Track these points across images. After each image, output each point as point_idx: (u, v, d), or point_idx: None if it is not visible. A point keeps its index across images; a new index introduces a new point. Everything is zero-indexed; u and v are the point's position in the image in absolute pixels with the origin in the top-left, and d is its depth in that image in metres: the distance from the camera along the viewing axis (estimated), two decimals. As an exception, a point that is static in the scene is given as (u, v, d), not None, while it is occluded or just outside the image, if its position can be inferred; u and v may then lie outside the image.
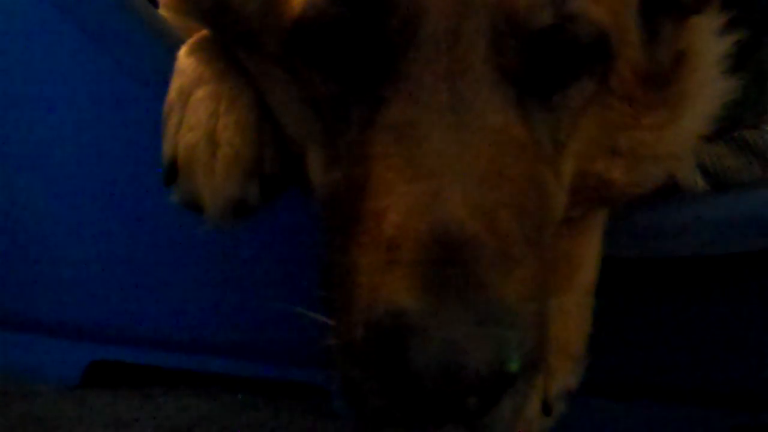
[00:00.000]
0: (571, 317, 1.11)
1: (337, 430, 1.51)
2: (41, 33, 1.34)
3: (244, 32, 1.00)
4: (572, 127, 0.94)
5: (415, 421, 0.74)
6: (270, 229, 1.36)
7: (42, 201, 1.51)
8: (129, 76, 1.28)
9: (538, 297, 0.79)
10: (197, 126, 1.02)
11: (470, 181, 0.79)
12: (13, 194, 1.52)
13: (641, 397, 1.41)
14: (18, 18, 1.36)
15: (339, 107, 0.90)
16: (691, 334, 1.35)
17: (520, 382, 0.75)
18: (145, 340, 1.60)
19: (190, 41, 1.12)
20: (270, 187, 1.03)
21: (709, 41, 1.13)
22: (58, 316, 1.63)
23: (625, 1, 0.97)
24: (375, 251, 0.77)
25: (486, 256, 0.75)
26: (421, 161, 0.79)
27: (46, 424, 1.54)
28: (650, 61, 1.02)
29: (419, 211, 0.77)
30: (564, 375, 1.10)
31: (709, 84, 1.13)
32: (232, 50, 1.06)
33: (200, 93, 1.04)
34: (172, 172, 1.03)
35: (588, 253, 1.14)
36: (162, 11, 1.22)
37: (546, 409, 1.08)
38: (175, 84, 1.07)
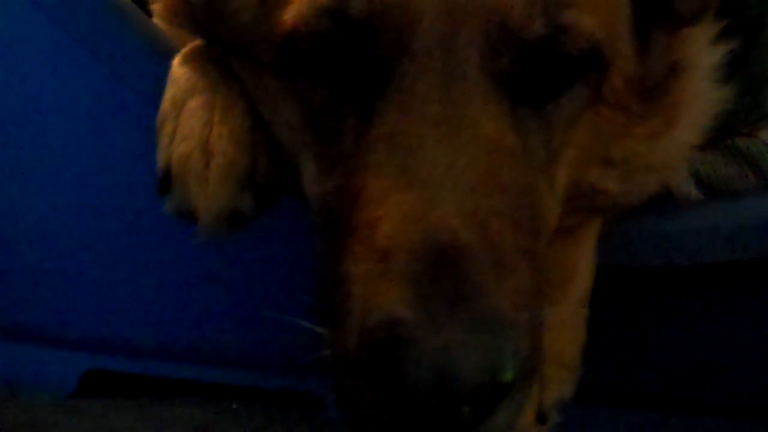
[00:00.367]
0: (566, 327, 1.11)
1: (333, 439, 1.51)
2: (35, 43, 1.34)
3: (238, 43, 1.00)
4: (565, 136, 0.94)
5: (409, 430, 0.74)
6: (265, 239, 1.36)
7: (36, 210, 1.51)
8: (123, 86, 1.28)
9: (531, 306, 0.79)
10: (191, 136, 1.02)
11: (463, 190, 0.79)
12: (7, 204, 1.52)
13: (635, 406, 1.41)
14: (10, 27, 1.36)
15: (332, 117, 0.90)
16: (685, 343, 1.35)
17: (514, 391, 0.75)
18: (141, 350, 1.60)
19: (184, 51, 1.12)
20: (264, 196, 1.03)
21: (702, 51, 1.13)
22: (54, 325, 1.62)
23: (618, 12, 0.97)
24: (368, 261, 0.77)
25: (479, 266, 0.75)
26: (415, 171, 0.80)
27: (42, 433, 1.54)
28: (643, 72, 1.02)
29: (412, 221, 0.77)
30: (559, 384, 1.10)
31: (702, 94, 1.13)
32: (226, 60, 1.06)
33: (194, 102, 1.04)
34: (165, 181, 1.03)
35: (582, 262, 1.15)
36: (156, 21, 1.22)
37: (541, 418, 1.08)
38: (169, 93, 1.07)
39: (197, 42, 1.12)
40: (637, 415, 1.41)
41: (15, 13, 1.35)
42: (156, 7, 1.17)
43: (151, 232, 1.44)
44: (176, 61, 1.11)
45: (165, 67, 1.11)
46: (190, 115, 1.04)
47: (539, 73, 0.88)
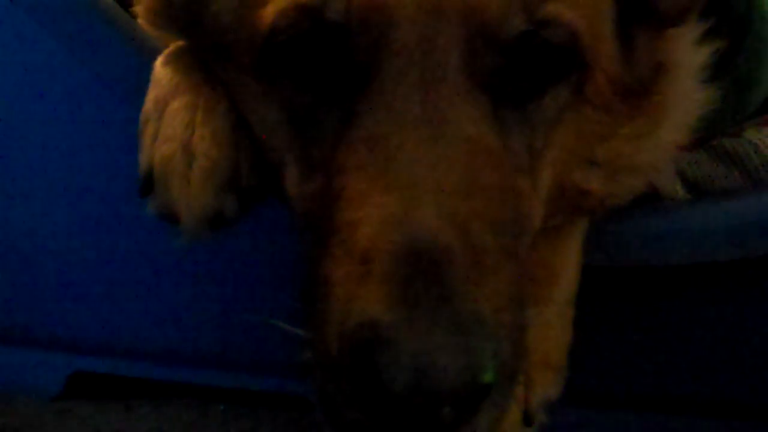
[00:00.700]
0: (551, 328, 1.11)
1: (319, 441, 1.51)
2: (16, 43, 1.33)
3: (219, 44, 1.00)
4: (548, 136, 0.94)
5: (390, 432, 0.74)
6: (249, 241, 1.35)
7: (20, 213, 1.50)
8: (105, 87, 1.27)
9: (513, 308, 0.79)
10: (173, 137, 1.02)
11: (444, 192, 0.78)
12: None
13: (622, 406, 1.41)
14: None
15: (313, 119, 0.90)
16: (673, 343, 1.35)
17: (496, 393, 0.75)
18: (127, 352, 1.59)
19: (167, 51, 1.12)
20: (247, 198, 1.03)
21: (687, 51, 1.13)
22: (41, 326, 1.62)
23: (600, 10, 0.97)
24: (349, 263, 0.77)
25: (459, 267, 0.74)
26: (395, 173, 0.79)
27: (28, 435, 1.54)
28: (628, 72, 1.01)
29: (392, 223, 0.76)
30: (544, 386, 1.10)
31: (687, 94, 1.13)
32: (208, 61, 1.06)
33: (176, 104, 1.04)
34: (148, 183, 1.03)
35: (567, 263, 1.14)
36: (139, 22, 1.21)
37: (527, 419, 1.08)
38: (151, 95, 1.07)
39: (180, 43, 1.12)
40: (627, 416, 1.42)
41: (-1, 16, 1.34)
42: (139, 9, 1.16)
43: (137, 234, 1.44)
44: (159, 62, 1.10)
45: (148, 68, 1.10)
46: (172, 116, 1.03)
47: (521, 73, 0.87)
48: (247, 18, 0.93)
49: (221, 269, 1.44)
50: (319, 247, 0.83)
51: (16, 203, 1.49)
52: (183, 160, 1.00)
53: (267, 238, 1.33)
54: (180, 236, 1.02)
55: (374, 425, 0.75)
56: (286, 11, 0.86)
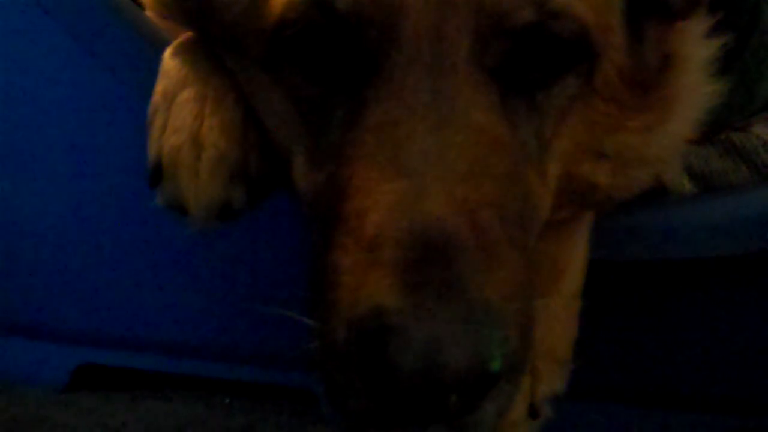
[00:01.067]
0: (558, 321, 1.11)
1: (325, 433, 1.52)
2: (27, 36, 1.34)
3: (228, 35, 1.00)
4: (557, 127, 0.93)
5: (398, 421, 0.74)
6: (257, 232, 1.36)
7: (28, 205, 1.51)
8: (114, 78, 1.27)
9: (521, 297, 0.78)
10: (182, 128, 1.02)
11: (452, 180, 0.78)
12: (-1, 199, 1.52)
13: (629, 400, 1.41)
14: (2, 21, 1.36)
15: (322, 108, 0.90)
16: (677, 337, 1.35)
17: (503, 382, 0.75)
18: (133, 344, 1.60)
19: (175, 43, 1.11)
20: (255, 189, 1.03)
21: (696, 45, 1.13)
22: (46, 319, 1.62)
23: (610, 2, 0.96)
24: (357, 251, 0.77)
25: (467, 255, 0.74)
26: (404, 161, 0.79)
27: (34, 427, 1.54)
28: (636, 64, 1.01)
29: (401, 211, 0.76)
30: (550, 379, 1.10)
31: (696, 88, 1.12)
32: (217, 52, 1.06)
33: (185, 95, 1.04)
34: (156, 174, 1.03)
35: (574, 255, 1.14)
36: (147, 13, 1.21)
37: (533, 412, 1.08)
38: (160, 86, 1.07)
39: (188, 34, 1.12)
40: (631, 410, 1.42)
41: (6, 7, 1.34)
42: (148, 0, 1.16)
43: (143, 226, 1.44)
44: (167, 53, 1.10)
45: (156, 59, 1.10)
46: (181, 107, 1.03)
47: (530, 62, 0.87)
48: (255, 9, 0.93)
49: (228, 260, 1.44)
50: (327, 236, 0.83)
51: (24, 197, 1.50)
52: (192, 151, 1.00)
53: (274, 228, 1.33)
54: (188, 227, 1.02)
55: (381, 413, 0.75)
56: (295, 2, 0.86)
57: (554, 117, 0.93)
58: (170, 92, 1.05)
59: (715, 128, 1.26)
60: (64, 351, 1.64)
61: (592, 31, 0.89)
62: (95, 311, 1.58)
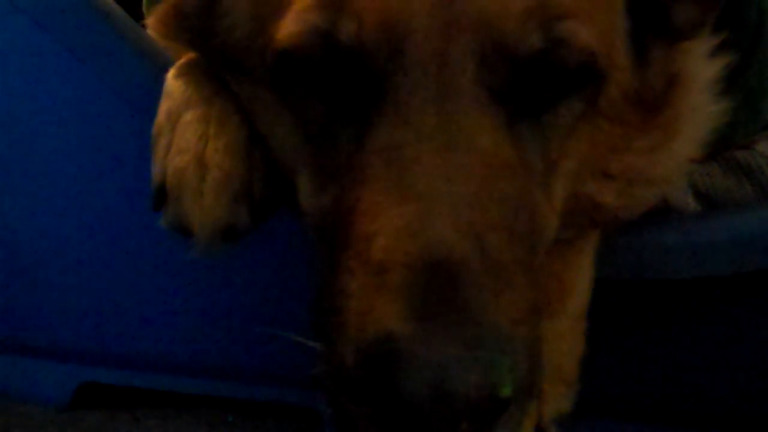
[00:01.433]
0: (564, 341, 1.11)
1: (328, 454, 1.51)
2: (30, 56, 1.34)
3: (232, 57, 1.00)
4: (563, 148, 0.93)
5: (406, 447, 0.74)
6: (262, 253, 1.35)
7: (30, 223, 1.50)
8: (118, 99, 1.28)
9: (529, 320, 0.78)
10: (186, 149, 1.01)
11: (460, 203, 0.78)
12: (0, 217, 1.51)
13: (634, 418, 1.41)
14: (4, 41, 1.36)
15: (327, 131, 0.89)
16: (682, 356, 1.35)
17: (513, 407, 0.74)
18: (135, 362, 1.59)
19: (179, 63, 1.12)
20: (260, 210, 1.03)
21: (700, 64, 1.13)
22: (48, 337, 1.62)
23: (615, 24, 0.96)
24: (364, 275, 0.77)
25: (476, 280, 0.74)
26: (410, 184, 0.79)
27: (35, 446, 1.54)
28: (641, 85, 1.01)
29: (408, 235, 0.76)
30: (557, 399, 1.09)
31: (701, 107, 1.12)
32: (220, 73, 1.06)
33: (189, 116, 1.04)
34: (161, 195, 1.02)
35: (580, 275, 1.14)
36: (151, 33, 1.21)
37: (539, 432, 1.08)
38: (164, 107, 1.07)
39: (192, 54, 1.12)
40: (637, 428, 1.41)
41: (9, 26, 1.34)
42: (150, 21, 1.16)
43: (147, 245, 1.44)
44: (171, 74, 1.10)
45: (160, 80, 1.10)
46: (185, 128, 1.03)
47: (536, 86, 0.87)
48: (260, 33, 0.93)
49: (232, 280, 1.44)
50: (334, 259, 0.83)
51: (26, 215, 1.50)
52: (196, 172, 1.00)
53: (279, 250, 1.33)
54: (192, 249, 1.01)
55: (389, 439, 0.74)
56: (298, 35, 0.86)
57: (560, 138, 0.92)
58: (174, 113, 1.05)
59: (719, 146, 1.25)
60: (66, 369, 1.64)
61: (598, 55, 0.89)
62: (97, 330, 1.57)
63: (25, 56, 1.35)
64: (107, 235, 1.47)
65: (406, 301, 0.72)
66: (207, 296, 1.47)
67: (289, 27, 0.86)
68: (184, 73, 1.10)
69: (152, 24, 1.17)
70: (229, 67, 1.03)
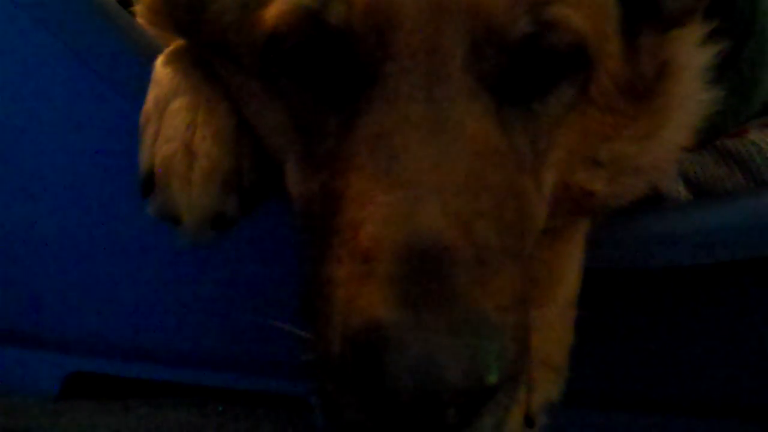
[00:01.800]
0: (553, 329, 1.11)
1: (319, 442, 1.51)
2: (17, 43, 1.33)
3: (220, 44, 0.99)
4: (552, 136, 0.93)
5: (393, 434, 0.74)
6: (250, 241, 1.35)
7: (18, 213, 1.49)
8: (106, 86, 1.27)
9: (517, 308, 0.78)
10: (174, 137, 1.01)
11: (448, 191, 0.78)
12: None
13: (626, 406, 1.41)
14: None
15: (315, 118, 0.89)
16: (673, 343, 1.35)
17: (500, 394, 0.74)
18: (125, 352, 1.59)
19: (167, 51, 1.11)
20: (249, 198, 1.02)
21: (691, 53, 1.13)
22: (38, 327, 1.61)
23: (605, 11, 0.96)
24: (351, 263, 0.77)
25: (463, 267, 0.74)
26: (398, 172, 0.79)
27: (25, 436, 1.53)
28: (632, 73, 1.01)
29: (396, 222, 0.76)
30: (546, 387, 1.09)
31: (691, 96, 1.12)
32: (209, 60, 1.05)
33: (177, 104, 1.03)
34: (148, 183, 1.02)
35: (570, 264, 1.14)
36: (139, 21, 1.21)
37: (528, 421, 1.07)
38: (152, 94, 1.06)
39: (180, 42, 1.11)
40: (628, 416, 1.41)
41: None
42: (140, 8, 1.16)
43: (136, 234, 1.43)
44: (159, 62, 1.10)
45: (148, 68, 1.10)
46: (173, 116, 1.03)
47: (525, 72, 0.87)
48: (248, 18, 0.93)
49: (221, 269, 1.43)
50: (321, 247, 0.83)
51: (14, 203, 1.49)
52: (184, 160, 1.00)
53: (268, 238, 1.32)
54: (181, 237, 1.01)
55: (377, 426, 0.74)
56: (287, 16, 0.86)
57: (549, 126, 0.92)
58: (162, 101, 1.05)
59: (711, 134, 1.25)
60: (55, 359, 1.63)
61: (588, 40, 0.89)
62: (87, 319, 1.57)
63: (10, 42, 1.34)
64: (96, 224, 1.46)
65: (393, 289, 0.72)
66: (196, 285, 1.46)
67: (277, 6, 0.86)
68: (173, 60, 1.09)
69: (141, 11, 1.17)
70: (218, 55, 1.02)
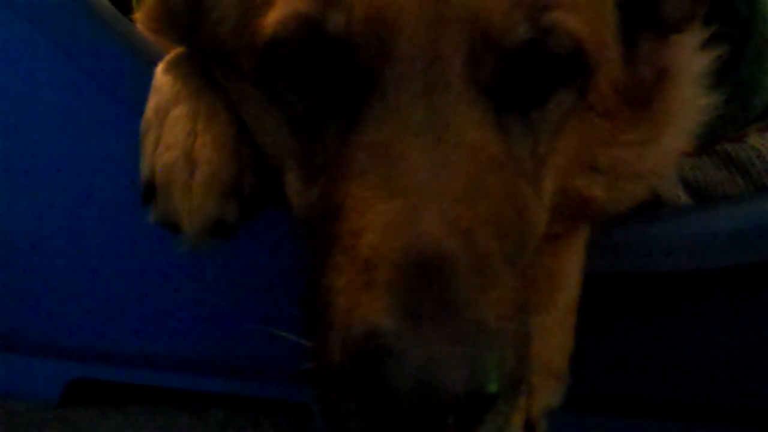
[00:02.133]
0: (553, 335, 1.11)
1: (319, 449, 1.51)
2: (17, 50, 1.33)
3: (220, 51, 0.99)
4: (552, 143, 0.93)
5: (394, 444, 0.74)
6: (251, 249, 1.35)
7: (18, 219, 1.50)
8: (107, 94, 1.27)
9: (518, 316, 0.78)
10: (175, 145, 1.01)
11: (447, 199, 0.78)
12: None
13: (626, 412, 1.41)
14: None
15: (315, 126, 0.89)
16: (673, 349, 1.35)
17: (500, 402, 0.74)
18: (126, 359, 1.59)
19: (167, 58, 1.11)
20: (249, 206, 1.03)
21: (690, 58, 1.13)
22: (38, 334, 1.61)
23: (604, 17, 0.96)
24: (351, 271, 0.77)
25: (464, 275, 0.74)
26: (398, 180, 0.79)
27: (26, 443, 1.53)
28: (631, 78, 1.01)
29: (396, 231, 0.76)
30: (546, 393, 1.09)
31: (691, 101, 1.12)
32: (209, 68, 1.05)
33: (177, 111, 1.03)
34: (149, 191, 1.02)
35: (570, 270, 1.14)
36: (139, 28, 1.21)
37: (529, 427, 1.07)
38: (152, 102, 1.06)
39: (180, 49, 1.11)
40: (628, 422, 1.41)
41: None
42: (139, 15, 1.16)
43: (136, 241, 1.43)
44: (159, 69, 1.10)
45: (149, 75, 1.10)
46: (173, 123, 1.03)
47: (524, 79, 0.87)
48: (247, 26, 0.93)
49: (221, 276, 1.43)
50: (321, 255, 0.83)
51: (14, 211, 1.49)
52: (185, 168, 1.00)
53: (268, 245, 1.32)
54: (182, 244, 1.01)
55: (377, 435, 0.74)
56: (286, 22, 0.86)
57: (549, 132, 0.92)
58: (163, 108, 1.05)
59: (710, 139, 1.25)
60: (56, 366, 1.63)
61: (587, 45, 0.89)
62: (87, 326, 1.57)
63: (10, 50, 1.34)
64: (98, 231, 1.46)
65: (393, 298, 0.72)
66: (197, 292, 1.46)
67: (277, 13, 0.86)
68: (173, 67, 1.09)
69: (141, 19, 1.17)
70: (217, 62, 1.03)
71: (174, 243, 1.02)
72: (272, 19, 0.87)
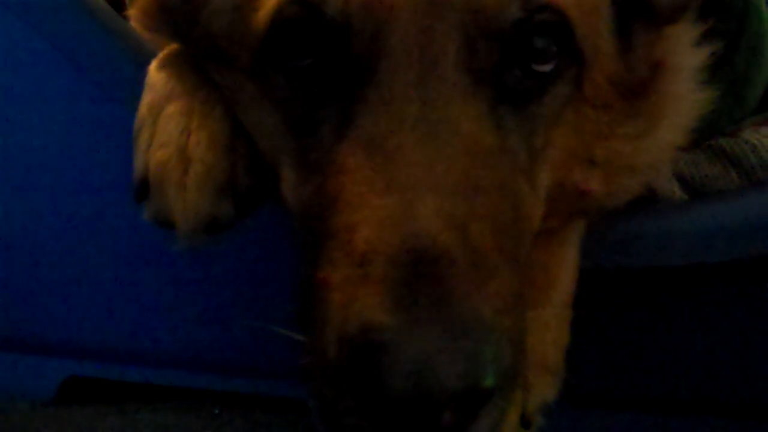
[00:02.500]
0: (549, 330, 1.11)
1: (316, 445, 1.50)
2: (10, 48, 1.33)
3: (214, 46, 0.99)
4: (547, 135, 0.93)
5: (390, 439, 0.74)
6: (246, 245, 1.35)
7: (12, 218, 1.49)
8: (100, 91, 1.27)
9: (513, 310, 0.78)
10: (168, 142, 1.01)
11: (443, 193, 0.78)
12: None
13: (623, 407, 1.41)
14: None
15: (310, 119, 0.89)
16: (669, 343, 1.35)
17: (496, 397, 0.74)
18: (121, 356, 1.59)
19: (161, 55, 1.11)
20: (244, 203, 1.02)
21: (685, 52, 1.13)
22: (33, 331, 1.61)
23: (599, 8, 0.97)
24: (347, 266, 0.77)
25: (459, 269, 0.74)
26: (393, 174, 0.79)
27: (21, 441, 1.53)
28: (626, 72, 1.01)
29: (391, 225, 0.76)
30: (542, 388, 1.09)
31: (686, 95, 1.12)
32: (203, 64, 1.05)
33: (171, 108, 1.03)
34: (143, 188, 1.02)
35: (565, 264, 1.14)
36: (132, 25, 1.20)
37: (525, 423, 1.08)
38: (146, 99, 1.06)
39: (174, 46, 1.11)
40: (626, 416, 1.41)
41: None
42: (132, 12, 1.15)
43: (131, 238, 1.43)
44: (153, 66, 1.09)
45: (142, 72, 1.10)
46: (167, 121, 1.03)
47: (519, 68, 0.88)
48: (243, 19, 0.93)
49: (217, 273, 1.43)
50: (317, 250, 0.83)
51: (9, 208, 1.49)
52: (178, 165, 1.00)
53: (263, 241, 1.32)
54: (176, 241, 1.01)
55: (374, 430, 0.74)
56: (284, 7, 0.86)
57: (544, 125, 0.93)
58: (156, 106, 1.05)
59: (705, 134, 1.25)
60: (51, 364, 1.62)
61: (576, 24, 0.90)
62: (83, 323, 1.56)
63: (4, 49, 1.34)
64: (92, 229, 1.46)
65: (389, 292, 0.72)
66: (192, 289, 1.46)
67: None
68: (167, 64, 1.09)
69: (135, 15, 1.16)
70: (212, 58, 1.02)
71: (168, 240, 1.02)
72: (268, 6, 0.87)
